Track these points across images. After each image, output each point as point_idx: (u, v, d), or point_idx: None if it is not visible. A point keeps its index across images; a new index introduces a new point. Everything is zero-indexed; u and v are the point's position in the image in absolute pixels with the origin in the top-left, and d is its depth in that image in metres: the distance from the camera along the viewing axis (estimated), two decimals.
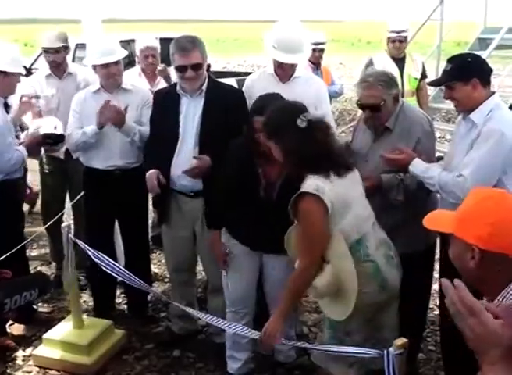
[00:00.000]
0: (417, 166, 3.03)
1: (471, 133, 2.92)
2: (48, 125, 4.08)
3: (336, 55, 24.03)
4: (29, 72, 9.48)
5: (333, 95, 6.81)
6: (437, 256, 3.46)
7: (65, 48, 4.61)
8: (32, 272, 4.49)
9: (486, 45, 8.18)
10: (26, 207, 5.60)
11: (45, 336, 3.88)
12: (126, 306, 4.59)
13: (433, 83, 3.57)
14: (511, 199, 1.74)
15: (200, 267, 4.24)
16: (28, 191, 4.80)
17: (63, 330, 3.90)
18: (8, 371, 3.75)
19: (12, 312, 4.20)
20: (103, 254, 3.50)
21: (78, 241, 3.60)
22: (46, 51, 4.57)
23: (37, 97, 4.40)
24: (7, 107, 4.06)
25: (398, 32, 5.85)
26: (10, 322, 4.23)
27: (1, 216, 3.81)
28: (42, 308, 4.51)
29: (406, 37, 5.96)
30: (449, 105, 4.29)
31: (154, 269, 5.03)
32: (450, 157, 3.09)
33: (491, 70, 3.00)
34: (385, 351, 2.32)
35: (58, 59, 4.58)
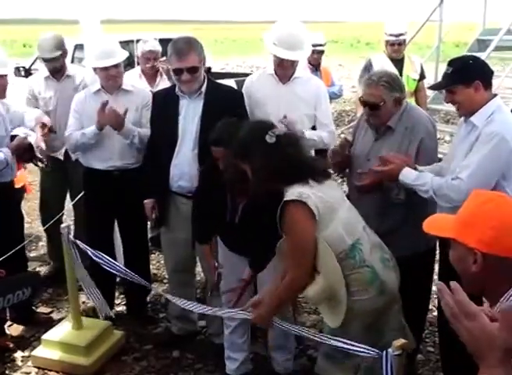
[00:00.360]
0: (408, 175, 3.00)
1: (470, 135, 2.89)
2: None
3: (335, 57, 24.05)
4: (28, 73, 9.52)
5: (332, 97, 6.80)
6: (437, 257, 3.45)
7: (63, 54, 4.60)
8: None
9: (485, 46, 8.18)
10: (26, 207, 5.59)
11: (44, 337, 3.87)
12: (125, 307, 4.58)
13: (434, 87, 3.53)
14: (510, 202, 1.74)
15: (199, 268, 4.23)
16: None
17: (62, 330, 3.89)
18: (7, 372, 3.75)
19: (10, 312, 4.22)
20: (103, 253, 3.50)
21: (78, 242, 3.60)
22: (45, 60, 4.56)
23: (53, 132, 4.35)
24: None
25: (396, 35, 5.85)
26: (9, 323, 4.23)
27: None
28: (41, 309, 4.51)
29: (404, 40, 5.97)
30: (448, 106, 4.27)
31: (153, 270, 5.03)
32: (450, 159, 3.06)
33: (492, 72, 2.96)
34: (384, 352, 2.32)
35: (57, 66, 4.59)
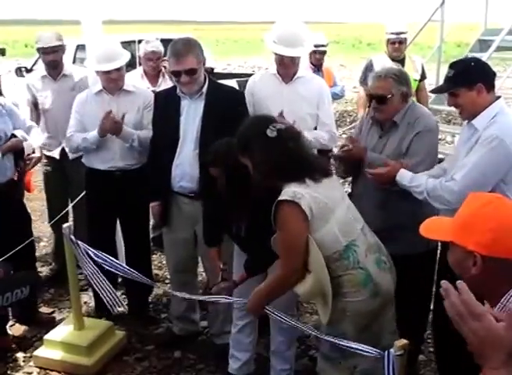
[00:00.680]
0: (404, 176, 3.00)
1: (472, 138, 2.87)
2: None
3: (336, 57, 24.05)
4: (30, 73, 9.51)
5: (334, 97, 6.80)
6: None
7: (62, 47, 4.63)
8: None
9: (487, 47, 8.17)
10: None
11: (46, 337, 3.88)
12: (126, 307, 4.58)
13: (436, 91, 3.53)
14: (509, 204, 1.74)
15: (201, 268, 4.24)
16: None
17: (64, 331, 3.90)
18: (9, 372, 3.75)
19: (13, 311, 4.23)
20: (104, 253, 3.50)
21: (79, 242, 3.60)
22: (44, 51, 4.57)
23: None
24: None
25: (397, 33, 5.87)
26: (11, 323, 4.24)
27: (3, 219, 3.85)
28: (43, 309, 4.51)
29: (405, 39, 5.99)
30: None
31: (155, 270, 5.03)
32: (454, 161, 3.05)
33: (494, 74, 2.94)
34: (386, 353, 2.32)
35: (56, 58, 4.60)
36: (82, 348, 3.76)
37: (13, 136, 3.93)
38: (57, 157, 4.71)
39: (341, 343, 2.54)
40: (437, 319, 3.30)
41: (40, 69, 4.87)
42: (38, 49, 4.60)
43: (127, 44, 7.85)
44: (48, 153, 4.72)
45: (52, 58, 4.58)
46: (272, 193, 2.62)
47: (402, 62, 5.88)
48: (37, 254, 5.52)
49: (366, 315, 2.64)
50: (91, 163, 4.16)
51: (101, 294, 3.71)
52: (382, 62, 5.82)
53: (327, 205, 2.61)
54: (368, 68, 5.90)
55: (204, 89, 3.57)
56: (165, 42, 4.86)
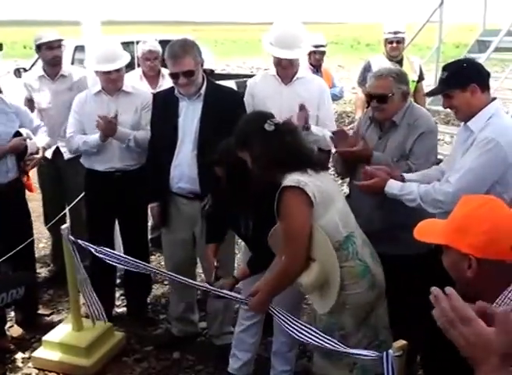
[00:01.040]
0: (393, 186, 2.99)
1: (468, 140, 2.87)
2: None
3: (335, 58, 24.06)
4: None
5: (333, 98, 6.79)
6: None
7: (62, 45, 4.66)
8: None
9: (485, 48, 8.19)
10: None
11: (45, 338, 3.88)
12: (125, 308, 4.58)
13: (431, 93, 3.55)
14: (503, 205, 1.74)
15: (199, 269, 4.23)
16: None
17: (62, 332, 3.90)
18: (8, 373, 3.75)
19: (16, 315, 4.24)
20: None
21: (80, 241, 3.59)
22: (49, 46, 4.58)
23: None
24: None
25: (395, 33, 5.87)
26: (9, 324, 4.23)
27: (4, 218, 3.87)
28: (41, 310, 4.50)
29: (403, 39, 5.98)
30: None
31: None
32: (451, 162, 3.04)
33: (488, 74, 2.93)
34: (385, 354, 2.32)
35: (59, 54, 4.63)
36: (81, 349, 3.76)
37: (18, 134, 3.93)
38: (49, 156, 4.70)
39: (340, 350, 2.54)
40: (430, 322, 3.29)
41: (38, 69, 4.87)
42: (40, 46, 4.61)
43: (126, 45, 7.82)
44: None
45: (56, 54, 4.60)
46: (273, 188, 2.65)
47: (400, 62, 5.87)
48: (36, 255, 5.54)
49: (364, 307, 2.69)
50: (90, 164, 4.16)
51: (86, 303, 3.74)
52: (380, 62, 5.82)
53: (329, 194, 2.67)
54: (366, 69, 5.90)
55: (203, 90, 3.58)
56: (164, 43, 4.86)
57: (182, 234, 3.78)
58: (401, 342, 2.33)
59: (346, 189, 5.03)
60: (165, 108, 3.69)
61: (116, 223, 4.40)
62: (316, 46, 6.28)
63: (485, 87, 2.86)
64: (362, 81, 5.95)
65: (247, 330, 3.50)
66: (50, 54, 4.60)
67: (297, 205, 2.60)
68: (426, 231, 1.81)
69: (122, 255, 3.51)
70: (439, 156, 3.80)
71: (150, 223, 4.60)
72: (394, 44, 5.88)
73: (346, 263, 2.64)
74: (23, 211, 4.17)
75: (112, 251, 3.51)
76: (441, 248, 1.75)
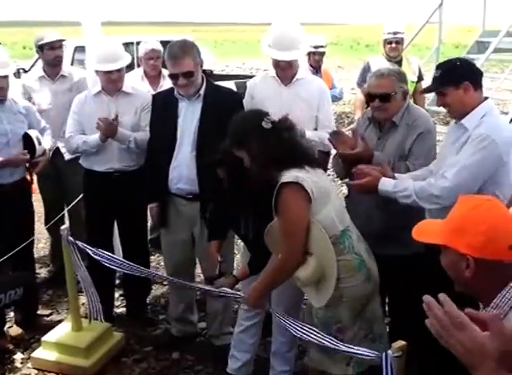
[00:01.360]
0: (387, 184, 3.00)
1: (461, 137, 2.89)
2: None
3: (334, 58, 24.07)
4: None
5: (333, 100, 6.78)
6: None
7: (63, 45, 4.69)
8: None
9: (485, 48, 8.21)
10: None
11: (44, 338, 3.87)
12: (124, 309, 4.59)
13: (425, 91, 3.58)
14: (500, 205, 1.75)
15: (198, 270, 4.24)
16: None
17: (62, 332, 3.89)
18: (7, 373, 3.75)
19: (16, 316, 4.24)
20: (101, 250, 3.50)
21: (78, 242, 3.59)
22: (51, 46, 4.60)
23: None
24: None
25: (394, 33, 5.87)
26: (8, 324, 4.23)
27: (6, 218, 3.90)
28: (41, 310, 4.50)
29: (402, 39, 5.98)
30: None
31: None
32: (441, 164, 3.05)
33: (481, 73, 2.98)
34: (384, 354, 2.32)
35: (61, 54, 4.65)
36: (80, 349, 3.75)
37: (26, 135, 3.97)
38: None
39: (339, 348, 2.55)
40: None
41: (37, 69, 4.88)
42: (42, 46, 4.62)
43: (126, 46, 7.83)
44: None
45: (57, 54, 4.62)
46: (271, 186, 2.67)
47: (399, 63, 5.88)
48: (35, 255, 5.54)
49: (360, 299, 2.73)
50: (89, 165, 4.16)
51: (87, 300, 3.74)
52: (380, 63, 5.82)
53: (326, 190, 2.71)
54: (366, 70, 5.90)
55: (202, 91, 3.58)
56: (164, 44, 4.87)
57: (181, 235, 3.78)
58: (400, 343, 2.33)
59: (345, 190, 5.04)
60: (164, 108, 3.69)
61: (115, 224, 4.40)
62: (316, 47, 6.28)
63: (478, 85, 2.90)
64: (361, 82, 5.95)
65: (246, 331, 3.50)
66: (52, 54, 4.61)
67: (296, 200, 2.63)
68: (424, 231, 1.82)
69: (119, 258, 3.52)
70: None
71: (149, 224, 4.60)
72: (393, 45, 5.89)
73: (343, 257, 2.67)
74: (26, 212, 4.18)
75: (109, 254, 3.51)
76: (437, 248, 1.76)
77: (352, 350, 2.51)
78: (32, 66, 9.92)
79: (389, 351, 2.30)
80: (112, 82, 4.02)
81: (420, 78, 6.05)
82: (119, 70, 3.99)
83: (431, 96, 7.43)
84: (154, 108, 3.82)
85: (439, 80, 2.93)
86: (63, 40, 4.66)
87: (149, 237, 4.86)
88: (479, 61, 7.79)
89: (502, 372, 1.22)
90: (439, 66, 3.00)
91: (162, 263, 4.78)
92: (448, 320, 1.26)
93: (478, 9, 9.17)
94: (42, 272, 5.15)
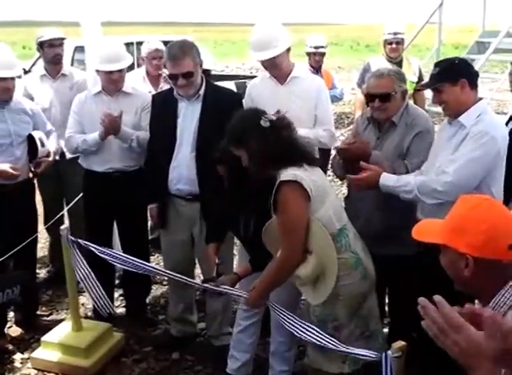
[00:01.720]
0: (388, 179, 3.01)
1: (458, 135, 2.93)
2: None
3: (334, 59, 24.07)
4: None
5: (334, 100, 6.77)
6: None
7: (64, 43, 4.71)
8: None
9: (485, 49, 8.21)
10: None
11: (44, 338, 3.88)
12: (124, 309, 4.58)
13: (422, 87, 3.60)
14: (499, 205, 1.76)
15: (198, 270, 4.24)
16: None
17: (62, 332, 3.89)
18: (7, 374, 3.75)
19: (15, 316, 4.24)
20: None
21: (80, 240, 3.59)
22: (50, 44, 4.61)
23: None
24: None
25: (394, 34, 5.87)
26: (8, 324, 4.23)
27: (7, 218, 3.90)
28: (40, 310, 4.50)
29: (402, 39, 5.98)
30: None
31: None
32: (432, 163, 3.07)
33: (477, 74, 3.03)
34: (383, 354, 2.32)
35: (61, 52, 4.67)
36: (80, 349, 3.75)
37: (30, 136, 3.98)
38: None
39: (339, 349, 2.55)
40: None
41: (39, 69, 4.89)
42: (42, 44, 4.64)
43: (125, 46, 7.83)
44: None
45: (57, 52, 4.64)
46: (270, 184, 2.68)
47: (399, 64, 5.88)
48: None
49: (357, 297, 2.74)
50: (89, 165, 4.15)
51: (92, 298, 3.72)
52: (380, 64, 5.82)
53: (324, 188, 2.73)
54: (366, 70, 5.89)
55: (202, 91, 3.58)
56: (164, 44, 4.86)
57: (181, 235, 3.78)
58: (400, 343, 2.33)
59: (345, 190, 5.04)
60: (163, 109, 3.69)
61: (115, 225, 4.40)
62: (316, 47, 6.28)
63: (474, 85, 2.96)
64: (361, 82, 5.95)
65: (244, 331, 3.50)
66: (52, 52, 4.63)
67: (295, 198, 2.64)
68: (424, 231, 1.83)
69: (125, 255, 3.49)
70: None
71: (149, 224, 4.60)
72: (394, 46, 5.88)
73: (340, 255, 2.68)
74: (29, 212, 4.19)
75: (114, 251, 3.51)
76: (437, 248, 1.77)
77: (351, 350, 2.51)
78: (32, 66, 9.92)
79: (389, 352, 2.30)
80: (112, 82, 4.02)
81: (420, 79, 6.04)
82: (120, 71, 3.99)
83: (431, 97, 7.42)
84: (153, 109, 3.82)
85: (437, 77, 2.97)
86: (63, 38, 4.68)
87: (149, 238, 4.86)
88: (479, 61, 7.79)
89: (497, 371, 1.23)
90: (437, 64, 3.06)
91: (162, 263, 4.78)
92: (443, 322, 1.26)
93: (477, 9, 9.17)
94: (42, 272, 5.15)
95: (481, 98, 2.98)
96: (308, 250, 2.71)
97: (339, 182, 6.52)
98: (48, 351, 3.82)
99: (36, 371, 3.79)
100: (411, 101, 5.82)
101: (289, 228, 2.68)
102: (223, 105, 3.47)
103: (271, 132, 2.74)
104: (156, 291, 4.85)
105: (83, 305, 4.54)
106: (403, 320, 3.40)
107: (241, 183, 2.90)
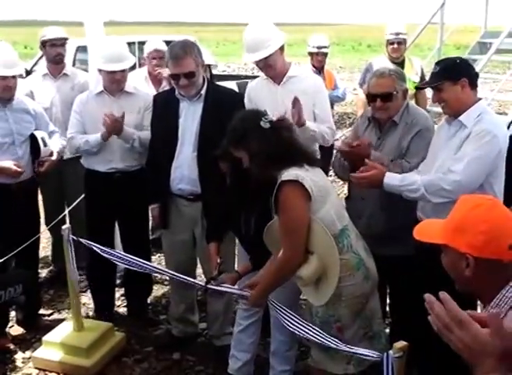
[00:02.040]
0: (393, 178, 3.00)
1: (459, 134, 2.94)
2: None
3: (336, 59, 24.06)
4: (29, 74, 9.51)
5: (336, 100, 6.77)
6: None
7: (66, 42, 4.72)
8: None
9: (486, 49, 8.20)
10: None
11: (45, 338, 3.88)
12: (125, 309, 4.59)
13: (423, 85, 3.61)
14: (500, 205, 1.76)
15: (199, 270, 4.23)
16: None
17: (63, 332, 3.90)
18: (8, 373, 3.75)
19: (17, 315, 4.24)
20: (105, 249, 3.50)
21: (82, 240, 3.59)
22: (52, 43, 4.62)
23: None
24: None
25: (396, 34, 5.87)
26: (10, 324, 4.23)
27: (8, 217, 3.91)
28: (42, 310, 4.50)
29: (404, 40, 5.98)
30: None
31: None
32: (431, 163, 3.07)
33: (477, 75, 3.06)
34: (385, 355, 2.32)
35: (62, 52, 4.68)
36: (81, 349, 3.76)
37: (32, 136, 3.99)
38: None
39: (343, 348, 2.55)
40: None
41: (41, 68, 4.90)
42: (45, 43, 4.65)
43: (128, 46, 7.84)
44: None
45: (58, 52, 4.65)
46: (272, 184, 2.68)
47: (402, 64, 5.88)
48: None
49: (359, 298, 2.73)
50: (91, 165, 4.16)
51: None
52: (382, 64, 5.82)
53: (325, 188, 2.72)
54: (368, 70, 5.89)
55: (203, 91, 3.57)
56: (166, 44, 4.86)
57: (182, 235, 3.78)
58: (402, 343, 2.33)
59: (346, 190, 5.03)
60: (165, 109, 3.69)
61: (116, 225, 4.40)
62: (318, 47, 6.27)
63: (474, 85, 2.97)
64: (364, 82, 5.94)
65: (245, 330, 3.50)
66: (53, 51, 4.64)
67: (296, 197, 2.63)
68: (425, 231, 1.83)
69: (128, 255, 3.50)
70: None
71: (150, 224, 4.60)
72: (395, 46, 5.88)
73: (342, 256, 2.68)
74: (32, 212, 4.20)
75: (117, 251, 3.51)
76: (438, 248, 1.77)
77: (353, 350, 2.51)
78: (33, 66, 9.92)
79: (391, 352, 2.30)
80: (115, 82, 4.02)
81: (422, 79, 6.03)
82: (122, 71, 4.00)
83: (432, 96, 7.42)
84: (155, 109, 3.82)
85: (438, 75, 2.98)
86: (66, 38, 4.68)
87: (150, 238, 4.86)
88: (481, 62, 7.77)
89: (502, 369, 1.23)
90: (438, 63, 3.08)
91: (163, 263, 4.78)
92: (448, 318, 1.27)
93: (479, 10, 9.16)
94: (43, 272, 5.15)
95: (480, 98, 3.00)
96: (310, 250, 2.71)
97: (341, 182, 6.51)
98: (49, 351, 3.82)
99: (37, 371, 3.79)
100: (413, 101, 5.85)
101: (290, 228, 2.68)
102: (225, 105, 3.47)
103: (271, 133, 2.75)
104: (157, 290, 4.85)
105: (84, 304, 4.54)
106: (405, 321, 3.40)
107: (242, 182, 2.90)
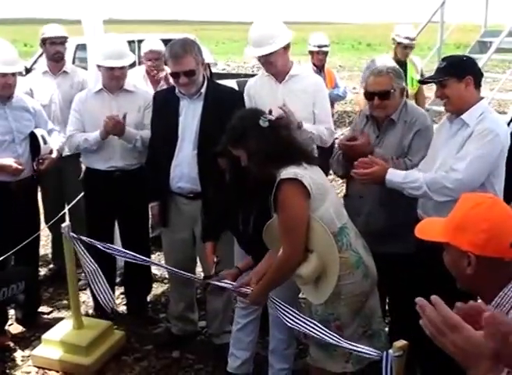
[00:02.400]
0: (396, 174, 3.01)
1: (461, 132, 2.94)
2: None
3: (336, 58, 24.05)
4: (29, 72, 9.51)
5: (337, 99, 6.76)
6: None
7: (67, 41, 4.74)
8: None
9: (486, 48, 8.19)
10: None
11: (44, 336, 3.88)
12: (125, 307, 4.59)
13: (428, 80, 3.59)
14: (501, 204, 1.76)
15: (199, 268, 4.23)
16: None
17: (62, 330, 3.90)
18: (7, 371, 3.75)
19: (16, 313, 4.24)
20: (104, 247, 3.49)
21: (83, 238, 3.58)
22: (52, 41, 4.63)
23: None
24: None
25: (411, 39, 5.83)
26: (9, 322, 4.23)
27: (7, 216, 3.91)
28: (41, 308, 4.50)
29: (414, 44, 5.97)
30: None
31: (154, 270, 5.02)
32: (431, 161, 3.07)
33: (482, 74, 3.06)
34: (384, 353, 2.31)
35: (62, 50, 4.67)
36: (81, 347, 3.76)
37: (32, 134, 3.99)
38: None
39: (340, 344, 2.54)
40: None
41: (41, 66, 4.90)
42: (44, 40, 4.66)
43: (127, 44, 7.83)
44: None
45: (58, 50, 4.65)
46: (271, 182, 2.68)
47: (404, 63, 5.86)
48: None
49: (359, 296, 2.74)
50: (91, 163, 4.16)
51: (96, 293, 3.71)
52: (385, 62, 5.79)
53: (324, 187, 2.73)
54: (370, 68, 5.87)
55: (203, 89, 3.57)
56: (166, 42, 4.85)
57: (182, 234, 3.78)
58: (402, 342, 2.32)
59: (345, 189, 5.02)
60: (165, 107, 3.68)
61: (116, 223, 4.40)
62: (319, 46, 6.26)
63: (478, 84, 2.97)
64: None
65: (243, 329, 3.50)
66: (53, 49, 4.65)
67: (295, 195, 2.64)
68: (427, 229, 1.84)
69: (128, 251, 3.49)
70: None
71: (150, 222, 4.60)
72: (408, 50, 5.87)
73: (341, 254, 2.68)
74: (31, 210, 4.19)
75: (118, 247, 3.51)
76: (437, 246, 1.77)
77: (353, 347, 2.51)
78: (33, 64, 9.92)
79: (390, 351, 2.30)
80: (114, 78, 4.01)
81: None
82: (122, 68, 3.99)
83: (432, 96, 7.41)
84: (155, 107, 3.82)
85: (443, 71, 2.98)
86: (66, 37, 4.68)
87: (150, 236, 4.86)
88: (481, 61, 7.75)
89: (496, 370, 1.23)
90: (444, 59, 3.07)
91: (163, 262, 4.78)
92: (440, 321, 1.27)
93: (480, 9, 9.15)
94: (43, 270, 5.15)
95: (482, 98, 3.00)
96: (309, 249, 2.71)
97: (340, 181, 6.51)
98: (48, 349, 3.82)
99: (36, 369, 3.79)
100: (413, 101, 5.85)
101: (289, 226, 2.68)
102: (225, 103, 3.47)
103: (270, 132, 2.76)
104: (157, 289, 4.85)
105: (84, 303, 4.54)
106: (404, 319, 3.39)
107: (241, 181, 2.90)
